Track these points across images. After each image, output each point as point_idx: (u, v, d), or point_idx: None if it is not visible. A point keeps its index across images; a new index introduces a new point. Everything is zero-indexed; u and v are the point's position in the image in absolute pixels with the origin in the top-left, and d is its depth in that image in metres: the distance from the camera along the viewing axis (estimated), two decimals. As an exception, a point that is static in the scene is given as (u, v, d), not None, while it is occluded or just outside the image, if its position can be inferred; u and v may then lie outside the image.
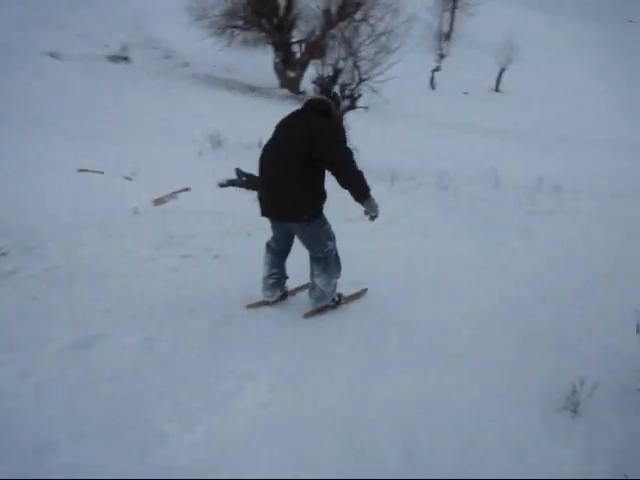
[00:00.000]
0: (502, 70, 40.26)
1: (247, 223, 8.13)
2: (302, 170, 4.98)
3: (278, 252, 5.66)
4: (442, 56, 42.07)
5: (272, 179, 5.14)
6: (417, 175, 13.48)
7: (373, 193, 4.94)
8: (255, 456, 3.75)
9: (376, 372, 4.70)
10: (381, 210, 5.04)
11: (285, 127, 5.21)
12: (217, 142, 13.85)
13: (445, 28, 48.28)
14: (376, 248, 7.70)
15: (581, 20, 58.69)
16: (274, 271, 5.66)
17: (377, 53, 14.95)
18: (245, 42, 28.22)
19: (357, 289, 6.12)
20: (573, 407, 4.31)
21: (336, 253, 5.56)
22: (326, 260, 5.46)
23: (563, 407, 4.35)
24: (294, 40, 28.75)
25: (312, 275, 5.57)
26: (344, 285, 5.84)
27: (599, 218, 10.17)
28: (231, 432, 3.94)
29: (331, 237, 5.44)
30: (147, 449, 3.72)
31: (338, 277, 5.63)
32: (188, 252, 7.10)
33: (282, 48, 28.26)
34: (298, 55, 28.54)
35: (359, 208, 5.05)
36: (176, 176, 10.56)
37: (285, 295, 5.97)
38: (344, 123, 14.56)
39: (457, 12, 48.85)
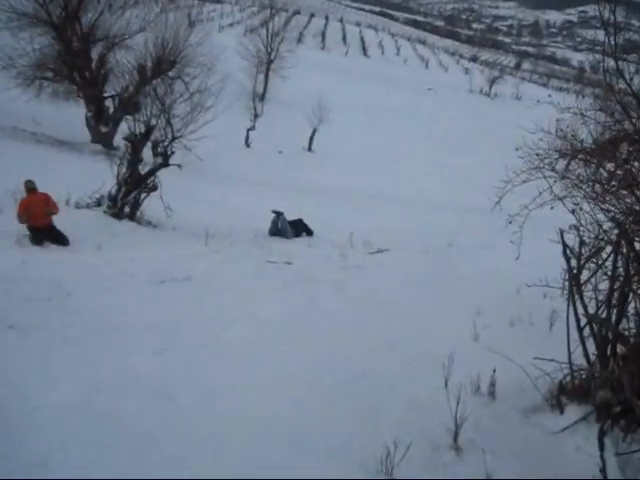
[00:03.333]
0: (314, 130, 41.74)
1: (49, 285, 7.60)
2: None
3: None
4: (257, 115, 42.89)
5: None
6: (233, 233, 13.44)
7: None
8: None
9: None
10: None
11: None
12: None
13: (259, 89, 49.48)
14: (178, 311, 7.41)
15: (386, 87, 62.84)
16: None
17: (190, 111, 14.79)
18: (55, 94, 27.06)
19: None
20: (388, 473, 4.32)
21: None
22: None
23: (377, 472, 4.35)
24: (107, 95, 28.01)
25: None
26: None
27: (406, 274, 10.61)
28: None
29: None
30: None
31: None
32: (-26, 324, 6.40)
33: (94, 102, 27.42)
34: (111, 110, 27.82)
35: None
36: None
37: None
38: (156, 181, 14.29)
39: (271, 74, 50.38)
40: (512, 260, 13.95)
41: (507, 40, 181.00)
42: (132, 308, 7.15)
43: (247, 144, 38.36)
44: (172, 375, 5.41)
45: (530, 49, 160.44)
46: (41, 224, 11.39)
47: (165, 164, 14.38)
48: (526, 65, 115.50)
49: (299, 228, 16.83)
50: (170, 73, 26.36)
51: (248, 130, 38.70)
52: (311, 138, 41.88)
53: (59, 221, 11.63)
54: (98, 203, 14.17)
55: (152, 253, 10.53)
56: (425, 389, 5.49)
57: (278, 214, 16.42)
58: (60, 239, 11.36)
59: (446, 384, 5.36)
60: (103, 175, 14.48)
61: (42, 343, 5.90)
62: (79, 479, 3.99)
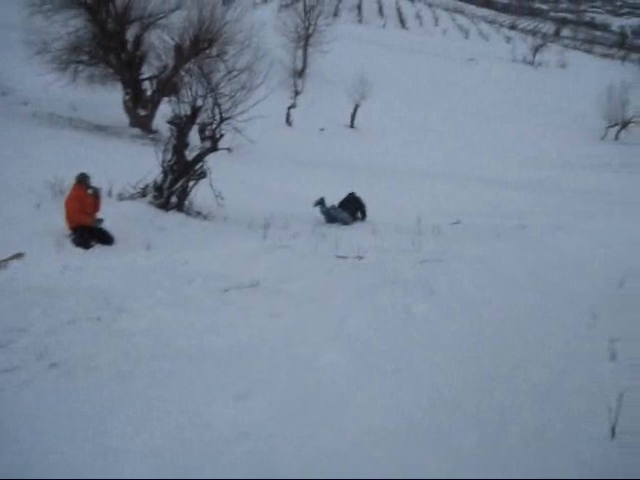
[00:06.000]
0: (356, 107, 40.46)
1: (96, 300, 6.46)
2: None
3: None
4: (297, 93, 41.62)
5: None
6: (290, 222, 12.24)
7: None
8: None
9: None
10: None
11: None
12: (59, 191, 11.93)
13: (299, 65, 48.21)
14: (252, 331, 6.17)
15: (427, 59, 61.13)
16: None
17: (238, 90, 13.53)
18: (91, 78, 26.11)
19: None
20: None
21: None
22: None
23: None
24: (144, 77, 27.03)
25: None
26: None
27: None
28: None
29: None
30: None
31: None
32: (12, 362, 5.19)
33: (131, 85, 26.46)
34: (149, 92, 26.86)
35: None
36: (6, 237, 8.70)
37: None
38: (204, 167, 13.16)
39: (310, 49, 48.98)
40: (596, 243, 12.70)
41: (544, 7, 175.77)
42: (196, 329, 5.95)
43: (288, 122, 37.18)
44: (264, 433, 4.12)
45: (569, 15, 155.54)
46: (95, 222, 10.40)
47: (214, 148, 13.18)
48: (566, 32, 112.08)
49: (353, 206, 15.55)
50: (208, 52, 25.19)
51: (289, 108, 37.52)
52: (353, 114, 40.62)
53: (101, 216, 10.58)
54: (143, 193, 13.04)
55: (207, 251, 9.35)
56: (588, 442, 4.13)
57: (320, 203, 15.21)
58: (105, 237, 10.31)
59: (613, 433, 4.09)
60: (146, 162, 13.39)
61: (91, 390, 4.59)
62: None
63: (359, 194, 15.92)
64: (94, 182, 10.93)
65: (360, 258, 9.33)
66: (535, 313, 6.96)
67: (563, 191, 25.73)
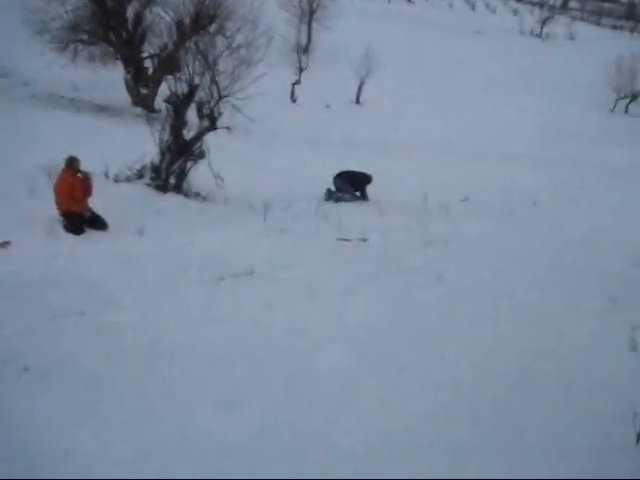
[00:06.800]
0: (362, 82, 39.80)
1: (83, 291, 6.09)
2: None
3: None
4: (301, 69, 40.91)
5: None
6: (292, 202, 11.79)
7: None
8: None
9: None
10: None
11: None
12: (54, 174, 11.48)
13: (303, 41, 47.42)
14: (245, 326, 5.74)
15: (433, 33, 60.17)
16: None
17: (237, 67, 13.01)
18: (91, 57, 25.59)
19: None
20: None
21: None
22: None
23: None
24: (145, 55, 26.49)
25: None
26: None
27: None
28: None
29: None
30: None
31: None
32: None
33: (133, 63, 25.95)
34: (151, 71, 26.35)
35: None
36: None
37: None
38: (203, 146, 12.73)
39: (314, 25, 48.13)
40: (612, 219, 12.27)
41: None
42: (186, 324, 5.55)
43: (293, 99, 36.60)
44: (253, 446, 3.74)
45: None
46: (84, 209, 10.01)
47: (212, 127, 12.72)
48: (573, 4, 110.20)
49: (353, 182, 15.02)
50: (210, 28, 24.60)
51: (293, 84, 36.93)
52: (359, 90, 39.94)
53: (96, 199, 10.18)
54: (140, 175, 12.64)
55: (204, 235, 8.96)
56: (611, 452, 3.72)
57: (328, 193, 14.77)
58: (98, 223, 9.93)
59: (638, 439, 3.71)
60: (146, 142, 12.96)
61: (67, 395, 4.18)
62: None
63: (359, 169, 15.31)
64: (89, 164, 10.54)
65: (364, 240, 8.94)
66: (551, 299, 6.55)
67: (573, 165, 25.20)
